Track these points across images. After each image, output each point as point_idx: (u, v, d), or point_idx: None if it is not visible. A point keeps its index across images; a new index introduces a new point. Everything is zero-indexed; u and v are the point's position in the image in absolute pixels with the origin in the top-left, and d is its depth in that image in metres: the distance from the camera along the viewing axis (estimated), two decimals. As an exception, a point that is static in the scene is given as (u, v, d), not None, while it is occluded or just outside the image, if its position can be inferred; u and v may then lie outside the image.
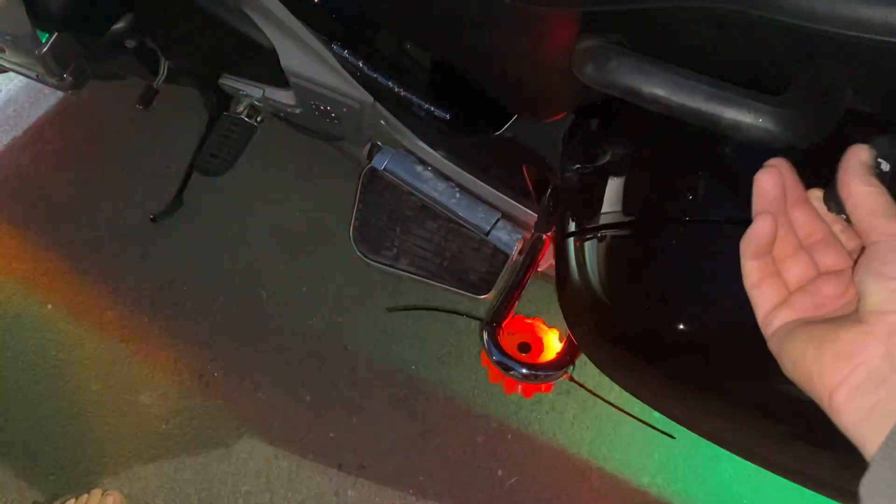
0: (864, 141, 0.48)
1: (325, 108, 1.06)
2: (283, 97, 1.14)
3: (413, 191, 1.01)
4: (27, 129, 1.50)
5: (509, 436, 1.23)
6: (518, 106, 0.78)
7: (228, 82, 1.21)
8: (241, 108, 1.24)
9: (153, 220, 1.39)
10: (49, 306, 1.32)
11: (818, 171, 0.48)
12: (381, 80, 0.89)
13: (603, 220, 0.73)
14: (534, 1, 0.61)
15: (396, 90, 0.88)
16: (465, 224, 0.99)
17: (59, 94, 1.51)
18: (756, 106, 0.50)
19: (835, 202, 0.46)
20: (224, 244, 1.36)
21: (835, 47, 0.48)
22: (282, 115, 1.19)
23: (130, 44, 1.17)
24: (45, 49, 1.04)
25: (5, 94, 1.53)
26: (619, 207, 0.72)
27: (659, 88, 0.53)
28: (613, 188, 0.74)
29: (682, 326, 0.64)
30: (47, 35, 1.05)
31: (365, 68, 0.90)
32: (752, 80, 0.54)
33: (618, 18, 0.59)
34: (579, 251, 0.75)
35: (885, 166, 0.48)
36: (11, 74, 1.41)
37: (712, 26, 0.53)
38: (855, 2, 0.48)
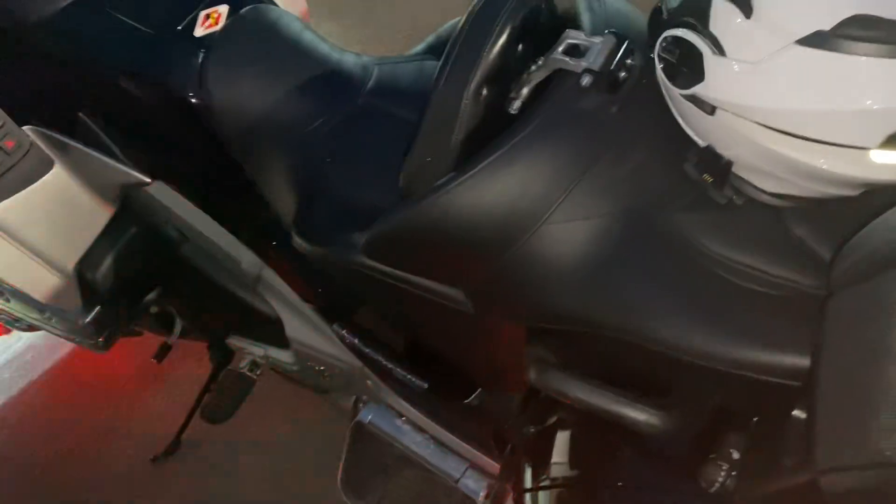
0: (727, 428, 0.69)
1: (320, 367, 1.26)
2: (284, 356, 1.34)
3: (393, 441, 1.18)
4: (42, 374, 1.67)
5: None
6: (480, 382, 0.99)
7: (235, 341, 1.41)
8: (243, 364, 1.43)
9: (153, 460, 1.53)
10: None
11: (693, 453, 0.69)
12: (371, 353, 1.10)
13: (553, 472, 0.92)
14: (491, 314, 0.84)
15: (383, 362, 1.09)
16: (438, 472, 1.16)
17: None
18: (646, 409, 0.72)
19: None
20: (219, 486, 1.50)
21: (695, 369, 0.70)
22: (279, 369, 1.38)
23: (154, 309, 1.38)
24: (88, 319, 1.25)
25: (25, 342, 1.72)
26: (565, 460, 0.92)
27: (580, 394, 0.75)
28: (559, 446, 0.93)
29: None
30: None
31: (357, 342, 1.11)
32: (651, 381, 0.76)
33: (551, 331, 0.81)
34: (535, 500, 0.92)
35: (736, 455, 0.68)
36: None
37: (617, 343, 0.76)
38: (702, 339, 0.71)
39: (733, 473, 0.64)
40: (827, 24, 0.60)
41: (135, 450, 1.54)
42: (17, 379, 1.67)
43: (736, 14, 0.65)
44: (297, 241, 0.96)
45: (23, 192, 1.09)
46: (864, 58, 0.59)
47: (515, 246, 0.77)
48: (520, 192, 0.77)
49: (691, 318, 0.74)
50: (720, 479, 0.63)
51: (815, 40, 0.60)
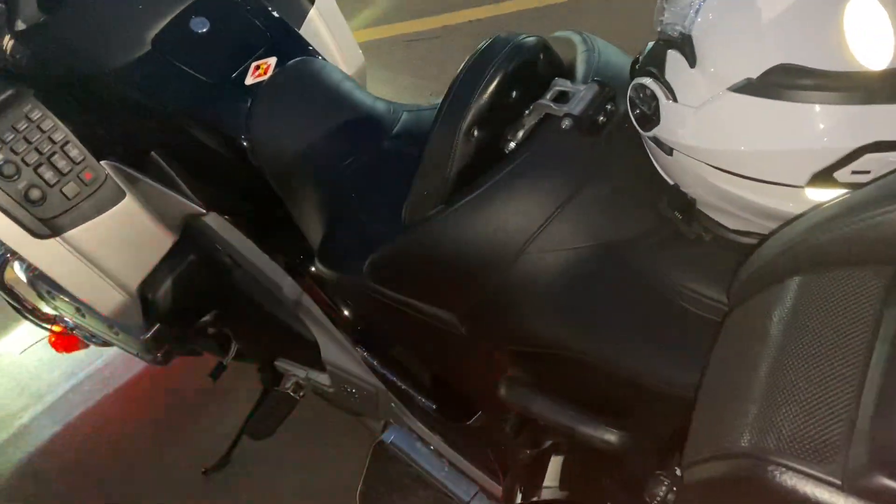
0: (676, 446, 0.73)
1: (352, 390, 1.35)
2: (322, 379, 1.44)
3: (411, 462, 1.25)
4: (117, 388, 1.83)
5: None
6: (479, 404, 1.05)
7: (281, 364, 1.53)
8: (288, 385, 1.54)
9: (204, 472, 1.64)
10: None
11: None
12: (388, 375, 1.18)
13: (544, 495, 0.97)
14: (480, 336, 0.91)
15: (398, 384, 1.17)
16: (450, 493, 1.22)
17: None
18: (603, 428, 0.77)
19: None
20: (261, 500, 1.60)
21: (656, 394, 0.75)
22: (319, 392, 1.48)
23: (210, 331, 1.52)
24: (147, 336, 1.39)
25: (104, 359, 1.89)
26: (556, 484, 0.97)
27: (543, 410, 0.81)
28: (553, 468, 0.99)
29: None
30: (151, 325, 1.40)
31: (377, 365, 1.20)
32: (615, 403, 0.81)
33: (529, 353, 0.88)
34: None
35: (679, 472, 0.72)
36: (118, 350, 1.77)
37: (586, 366, 0.82)
38: (663, 366, 0.76)
39: (674, 489, 0.68)
40: (755, 73, 0.66)
41: (189, 461, 1.66)
42: (94, 392, 1.83)
43: (683, 63, 0.71)
44: (318, 267, 1.06)
45: (96, 219, 1.24)
46: (787, 103, 0.64)
47: (498, 273, 0.85)
48: (500, 224, 0.84)
49: (654, 347, 0.79)
50: (661, 494, 0.68)
51: (745, 87, 0.66)
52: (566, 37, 1.00)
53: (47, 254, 1.22)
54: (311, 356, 1.39)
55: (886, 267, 0.47)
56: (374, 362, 1.21)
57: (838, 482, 0.41)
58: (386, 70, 2.79)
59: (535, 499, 0.96)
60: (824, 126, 0.64)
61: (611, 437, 0.77)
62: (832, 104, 0.63)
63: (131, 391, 1.83)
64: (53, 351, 1.84)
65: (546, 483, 0.96)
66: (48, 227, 1.21)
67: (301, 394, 1.54)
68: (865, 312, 0.46)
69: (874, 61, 0.63)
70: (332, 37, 1.51)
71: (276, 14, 1.28)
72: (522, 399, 0.83)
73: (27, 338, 1.91)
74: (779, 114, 0.65)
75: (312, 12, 1.48)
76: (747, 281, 0.56)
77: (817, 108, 0.64)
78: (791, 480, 0.43)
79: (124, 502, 1.64)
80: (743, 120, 0.67)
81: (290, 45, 1.24)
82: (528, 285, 0.84)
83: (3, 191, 1.17)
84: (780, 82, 0.65)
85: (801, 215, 0.59)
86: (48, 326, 1.65)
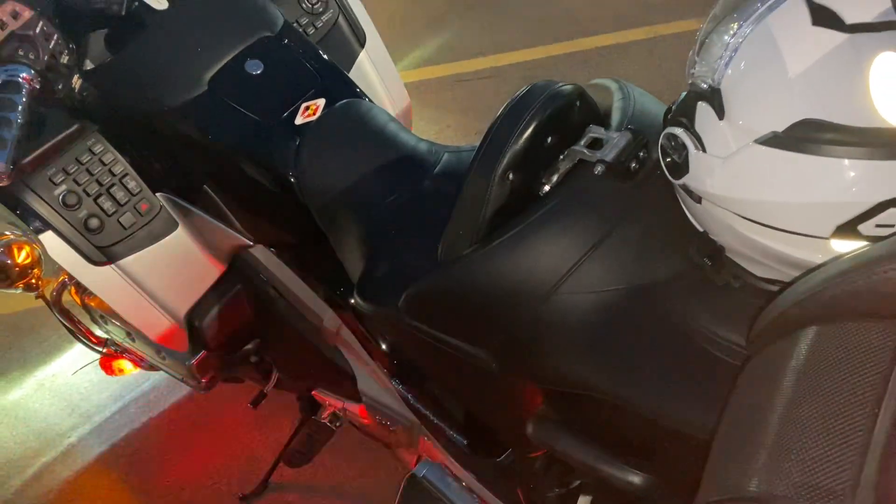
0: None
1: (386, 422, 1.38)
2: (357, 411, 1.47)
3: (443, 498, 1.26)
4: (161, 412, 1.89)
5: None
6: (509, 441, 1.07)
7: (320, 393, 1.56)
8: (325, 415, 1.57)
9: (242, 498, 1.68)
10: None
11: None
12: (422, 409, 1.21)
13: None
14: (510, 374, 0.93)
15: (432, 418, 1.19)
16: (480, 530, 1.23)
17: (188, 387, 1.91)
18: (625, 469, 0.78)
19: None
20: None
21: (679, 436, 0.76)
22: (355, 423, 1.51)
23: (253, 359, 1.56)
24: (193, 362, 1.44)
25: (151, 383, 1.95)
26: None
27: (567, 448, 0.82)
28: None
29: None
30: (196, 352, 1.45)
31: (412, 399, 1.22)
32: (639, 445, 0.82)
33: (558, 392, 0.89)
34: None
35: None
36: (164, 376, 1.84)
37: (612, 407, 0.83)
38: (685, 408, 0.77)
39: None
40: (780, 126, 0.68)
41: (227, 486, 1.70)
42: (139, 414, 1.89)
43: (712, 115, 0.74)
44: (356, 300, 1.10)
45: (150, 248, 1.31)
46: (811, 156, 0.66)
47: (529, 313, 0.87)
48: (532, 265, 0.87)
49: (680, 390, 0.80)
50: None
51: (771, 140, 0.68)
52: (604, 84, 1.03)
53: (102, 280, 1.29)
54: (348, 387, 1.42)
55: (899, 321, 0.48)
56: (409, 396, 1.23)
57: (843, 529, 0.42)
58: (433, 109, 2.85)
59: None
60: (848, 180, 0.65)
61: (635, 478, 0.78)
62: (856, 159, 0.64)
63: (174, 415, 1.88)
64: (103, 373, 1.91)
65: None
66: (105, 255, 1.27)
67: (338, 424, 1.57)
68: (876, 366, 0.47)
69: (898, 117, 0.64)
70: (379, 79, 1.57)
71: (326, 57, 1.34)
72: (549, 437, 0.85)
73: (79, 360, 1.99)
74: (803, 167, 0.67)
75: (362, 55, 1.55)
76: (764, 329, 0.57)
77: (841, 162, 0.65)
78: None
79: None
80: (768, 172, 0.69)
81: (339, 87, 1.29)
82: (558, 325, 0.86)
83: (64, 219, 1.24)
84: (805, 136, 0.66)
85: (819, 266, 0.60)
86: (100, 349, 1.72)
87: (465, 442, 1.16)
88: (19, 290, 1.58)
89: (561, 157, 0.93)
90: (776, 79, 0.69)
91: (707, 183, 0.75)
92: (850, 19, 0.67)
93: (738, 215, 0.73)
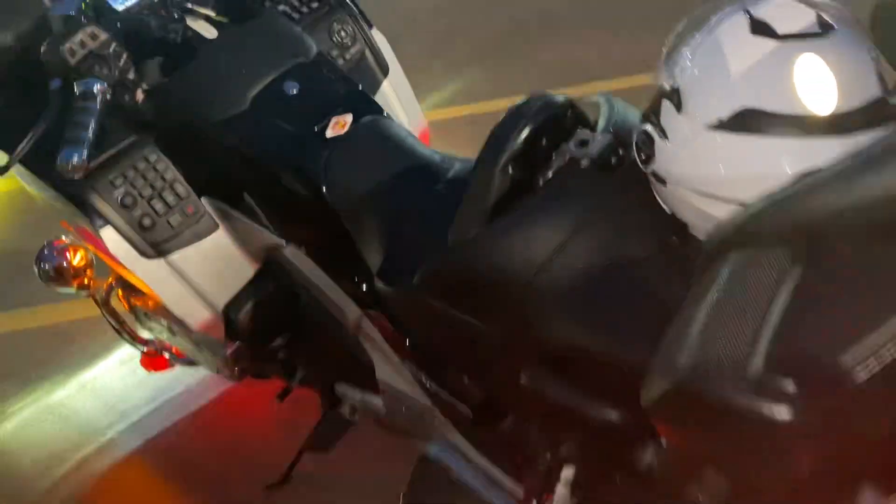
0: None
1: (402, 408, 1.51)
2: (376, 401, 1.61)
3: (452, 475, 1.39)
4: (192, 412, 2.04)
5: None
6: (508, 405, 1.21)
7: (340, 388, 1.70)
8: (345, 407, 1.71)
9: (268, 487, 1.80)
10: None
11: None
12: (434, 388, 1.35)
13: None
14: (507, 340, 1.07)
15: (441, 395, 1.33)
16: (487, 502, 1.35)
17: (217, 389, 2.06)
18: (606, 409, 0.93)
19: None
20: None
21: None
22: (371, 413, 1.65)
23: (281, 355, 1.71)
24: (228, 352, 1.59)
25: (184, 385, 2.10)
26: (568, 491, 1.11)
27: (557, 395, 0.96)
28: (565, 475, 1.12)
29: None
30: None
31: (424, 379, 1.36)
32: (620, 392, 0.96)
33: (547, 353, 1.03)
34: None
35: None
36: (197, 379, 2.00)
37: (590, 360, 0.97)
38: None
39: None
40: (725, 115, 0.84)
41: (253, 477, 1.83)
42: (172, 414, 2.04)
43: (673, 110, 0.90)
44: (377, 284, 1.25)
45: (194, 246, 1.48)
46: (748, 137, 0.82)
47: (525, 283, 1.02)
48: (528, 243, 1.02)
49: (656, 345, 0.94)
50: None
51: (717, 125, 0.84)
52: (594, 99, 1.20)
53: (152, 272, 1.45)
54: (367, 379, 1.56)
55: (797, 243, 0.64)
56: (422, 376, 1.37)
57: (744, 385, 0.57)
58: (449, 145, 3.02)
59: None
60: (777, 155, 0.80)
61: (614, 415, 0.92)
62: (782, 138, 0.80)
63: (204, 415, 2.02)
64: (139, 376, 2.07)
65: (559, 489, 1.11)
66: (155, 250, 1.44)
67: (356, 416, 1.70)
68: (777, 270, 0.62)
69: (818, 107, 0.80)
70: (400, 104, 1.76)
71: (353, 80, 1.53)
72: (541, 384, 0.99)
73: (118, 365, 2.16)
74: (743, 146, 0.82)
75: (385, 83, 1.74)
76: (705, 257, 0.73)
77: (772, 140, 0.81)
78: (713, 388, 0.59)
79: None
80: (716, 151, 0.85)
81: (364, 106, 1.47)
82: (550, 294, 1.01)
83: (122, 217, 1.42)
84: (744, 122, 0.82)
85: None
86: (141, 347, 1.88)
87: (470, 415, 1.30)
88: (73, 290, 1.76)
89: (554, 154, 1.09)
90: (722, 77, 0.85)
91: (670, 166, 0.91)
92: (781, 30, 0.84)
93: (694, 191, 0.89)
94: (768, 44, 0.84)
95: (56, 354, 2.25)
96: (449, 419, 1.39)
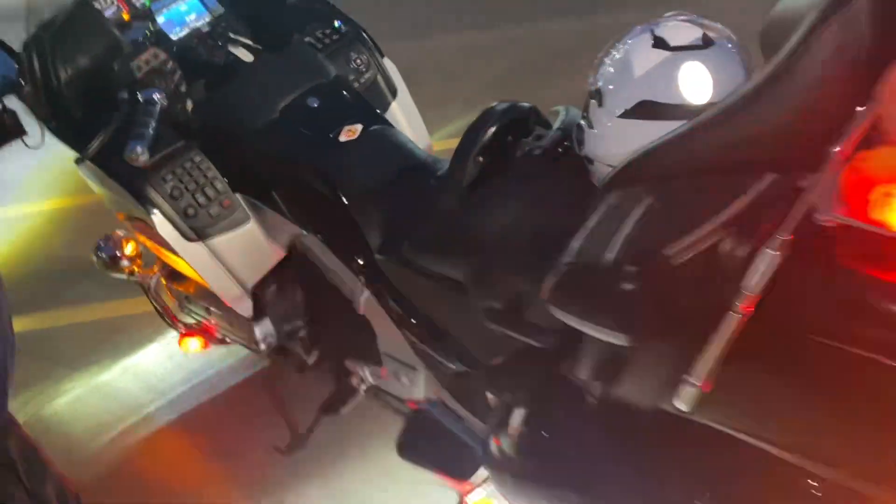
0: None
1: (399, 373, 1.77)
2: (377, 373, 1.86)
3: (436, 421, 1.65)
4: (222, 392, 2.31)
5: None
6: (480, 355, 1.47)
7: (349, 363, 1.96)
8: (354, 379, 1.97)
9: (283, 452, 2.05)
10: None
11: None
12: (422, 347, 1.61)
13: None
14: (486, 290, 1.34)
15: (429, 352, 1.59)
16: (468, 444, 1.60)
17: (246, 372, 2.34)
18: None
19: None
20: (331, 473, 2.01)
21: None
22: (377, 387, 1.90)
23: (301, 334, 1.99)
24: (257, 327, 1.87)
25: (214, 370, 2.38)
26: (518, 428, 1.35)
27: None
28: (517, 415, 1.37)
29: None
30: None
31: (416, 341, 1.62)
32: None
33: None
34: None
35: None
36: (226, 364, 2.29)
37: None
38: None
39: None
40: (630, 106, 1.11)
41: (273, 440, 2.07)
42: (204, 393, 2.31)
43: (596, 105, 1.17)
44: (378, 258, 1.53)
45: (229, 233, 1.77)
46: (646, 122, 1.09)
47: (491, 243, 1.30)
48: (492, 213, 1.30)
49: None
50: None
51: (624, 114, 1.12)
52: (557, 109, 1.48)
53: (194, 252, 1.75)
54: (372, 351, 1.82)
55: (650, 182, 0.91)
56: (415, 340, 1.63)
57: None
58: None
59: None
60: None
61: (550, 342, 1.18)
62: (670, 120, 1.07)
63: (232, 394, 2.30)
64: (175, 361, 2.37)
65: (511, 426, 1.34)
66: (197, 234, 1.73)
67: (363, 387, 1.96)
68: (635, 200, 0.89)
69: (696, 98, 1.08)
70: (407, 123, 2.05)
71: (365, 99, 1.83)
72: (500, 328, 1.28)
73: (158, 351, 2.45)
74: (643, 128, 1.10)
75: (394, 104, 2.03)
76: (598, 194, 1.01)
77: (663, 123, 1.08)
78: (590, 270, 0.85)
79: (223, 469, 2.09)
80: (624, 134, 1.12)
81: (373, 118, 1.77)
82: (510, 249, 1.28)
83: (171, 207, 1.71)
84: (643, 110, 1.10)
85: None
86: (181, 328, 2.17)
87: (451, 366, 1.55)
88: (124, 276, 2.06)
89: (517, 147, 1.37)
90: (628, 78, 1.13)
91: (595, 149, 1.18)
92: (673, 43, 1.12)
93: (610, 166, 1.16)
94: (663, 54, 1.12)
95: (103, 344, 2.54)
96: (435, 376, 1.65)
